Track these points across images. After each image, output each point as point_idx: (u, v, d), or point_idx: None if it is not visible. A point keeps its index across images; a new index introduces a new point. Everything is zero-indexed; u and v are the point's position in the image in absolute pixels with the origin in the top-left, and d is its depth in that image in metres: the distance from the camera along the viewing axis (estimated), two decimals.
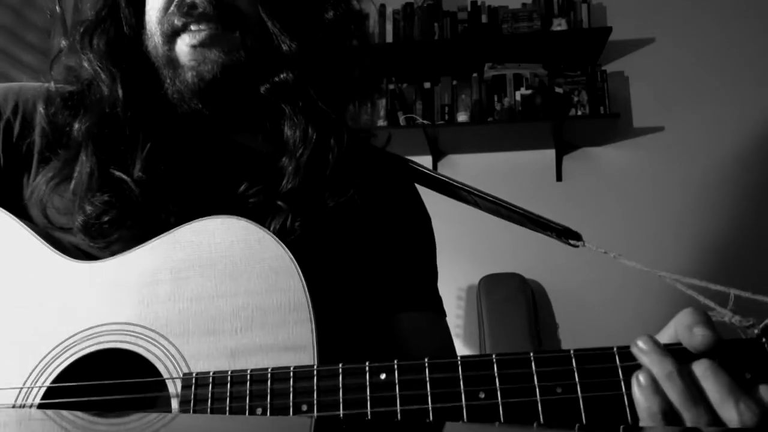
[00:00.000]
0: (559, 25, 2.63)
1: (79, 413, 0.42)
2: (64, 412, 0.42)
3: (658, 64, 2.73)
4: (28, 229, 0.59)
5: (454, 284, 2.65)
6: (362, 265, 0.66)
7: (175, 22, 0.60)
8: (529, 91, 2.65)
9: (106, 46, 0.63)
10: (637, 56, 2.76)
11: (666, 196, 2.64)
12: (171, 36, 0.61)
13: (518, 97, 2.65)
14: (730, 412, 0.36)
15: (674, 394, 0.37)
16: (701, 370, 0.38)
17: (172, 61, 0.62)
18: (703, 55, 2.70)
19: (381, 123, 2.69)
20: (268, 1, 0.62)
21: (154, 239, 0.55)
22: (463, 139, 2.73)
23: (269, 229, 0.52)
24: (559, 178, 2.74)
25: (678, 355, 0.39)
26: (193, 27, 0.60)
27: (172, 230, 0.54)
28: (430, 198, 0.80)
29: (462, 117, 2.67)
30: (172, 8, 0.60)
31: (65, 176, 0.61)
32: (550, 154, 2.74)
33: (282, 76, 0.62)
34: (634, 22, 2.76)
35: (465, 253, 2.62)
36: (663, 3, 2.77)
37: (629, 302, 2.45)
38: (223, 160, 0.65)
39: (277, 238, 0.52)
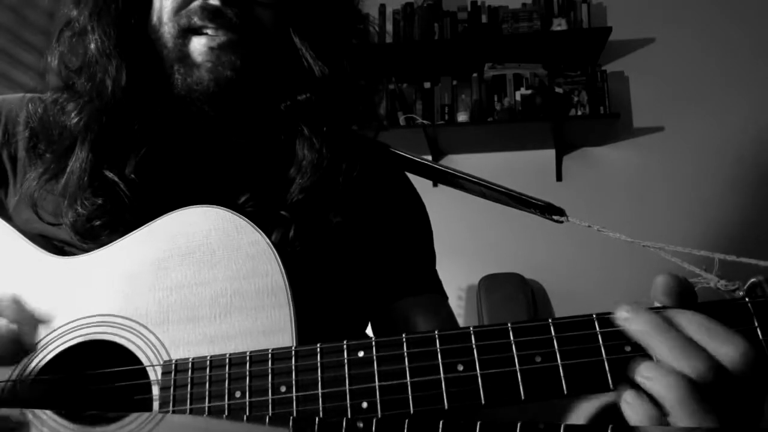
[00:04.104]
0: (559, 25, 2.63)
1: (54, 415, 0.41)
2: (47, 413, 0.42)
3: (658, 64, 2.73)
4: (11, 227, 0.58)
5: (454, 284, 2.64)
6: (361, 255, 0.66)
7: (195, 20, 0.58)
8: (529, 91, 2.65)
9: (114, 27, 0.61)
10: (637, 56, 2.76)
11: (666, 195, 2.63)
12: (185, 31, 0.59)
13: (518, 97, 2.65)
14: (727, 348, 0.36)
15: (667, 343, 0.37)
16: (684, 318, 0.38)
17: (185, 57, 0.59)
18: (703, 55, 2.70)
19: None
20: (299, 22, 0.61)
21: (133, 231, 0.54)
22: (463, 139, 2.73)
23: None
24: (559, 178, 2.73)
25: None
26: (210, 32, 0.58)
27: (150, 222, 0.54)
28: (429, 198, 0.80)
29: (462, 117, 2.67)
30: (193, 6, 0.58)
31: (57, 171, 0.60)
32: (550, 154, 2.74)
33: (305, 96, 0.62)
34: (634, 22, 2.76)
35: (465, 253, 2.62)
36: (663, 3, 2.77)
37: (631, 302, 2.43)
38: (225, 162, 0.65)
39: (254, 225, 0.51)
